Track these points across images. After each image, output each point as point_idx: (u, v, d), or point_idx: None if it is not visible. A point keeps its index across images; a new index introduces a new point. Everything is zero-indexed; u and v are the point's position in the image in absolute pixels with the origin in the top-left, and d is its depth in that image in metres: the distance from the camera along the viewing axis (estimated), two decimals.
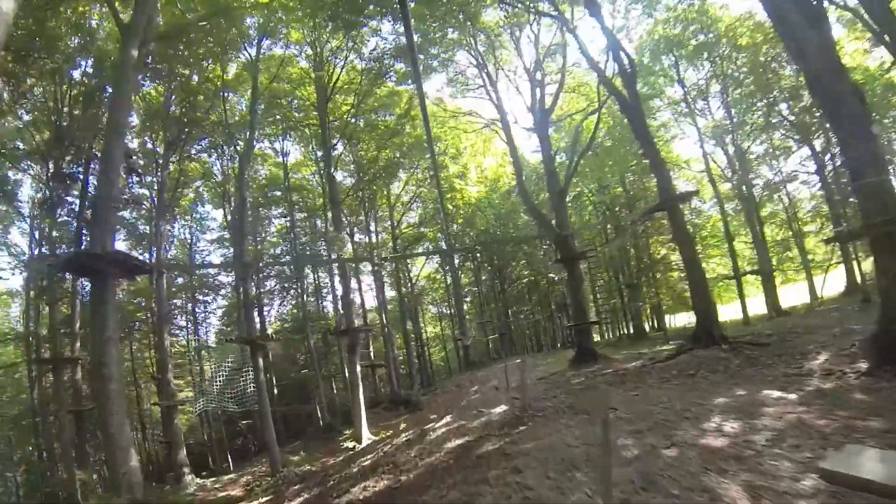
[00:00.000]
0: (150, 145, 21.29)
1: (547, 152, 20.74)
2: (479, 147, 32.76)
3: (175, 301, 30.53)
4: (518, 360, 20.80)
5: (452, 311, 39.93)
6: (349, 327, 17.53)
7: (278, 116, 23.22)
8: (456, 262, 37.50)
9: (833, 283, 25.41)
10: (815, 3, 9.75)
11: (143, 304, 26.41)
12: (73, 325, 17.68)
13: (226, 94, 21.26)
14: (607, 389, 7.69)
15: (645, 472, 5.34)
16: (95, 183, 18.33)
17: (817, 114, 25.08)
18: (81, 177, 17.52)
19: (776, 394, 8.19)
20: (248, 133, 17.88)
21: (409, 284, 35.92)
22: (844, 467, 4.42)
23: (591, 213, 35.92)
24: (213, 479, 18.73)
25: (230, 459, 24.41)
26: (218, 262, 28.74)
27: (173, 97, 19.07)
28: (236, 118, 21.45)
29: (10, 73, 14.72)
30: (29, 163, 19.46)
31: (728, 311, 30.03)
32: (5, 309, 30.37)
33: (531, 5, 18.75)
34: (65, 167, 17.85)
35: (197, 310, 30.74)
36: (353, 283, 31.03)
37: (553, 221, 20.51)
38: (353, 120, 22.69)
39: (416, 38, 20.15)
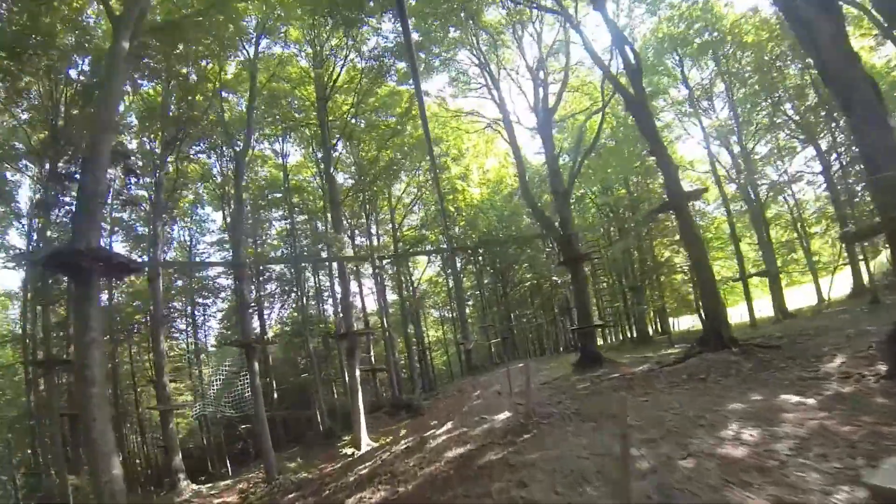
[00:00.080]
0: (148, 146, 21.05)
1: (550, 152, 20.38)
2: (481, 148, 32.45)
3: (175, 304, 30.34)
4: (521, 365, 20.40)
5: (454, 314, 39.57)
6: (348, 331, 17.16)
7: (278, 116, 22.96)
8: (458, 265, 37.20)
9: (839, 284, 24.94)
10: None
11: (142, 306, 26.18)
12: (68, 327, 17.37)
13: (225, 95, 21.11)
14: (624, 397, 7.25)
15: (662, 485, 4.93)
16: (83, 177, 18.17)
17: (823, 113, 24.98)
18: (78, 176, 17.19)
19: (794, 398, 7.79)
20: (246, 132, 17.56)
21: (411, 288, 35.56)
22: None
23: (595, 215, 35.56)
24: (210, 485, 18.35)
25: (228, 464, 24.09)
26: (216, 261, 28.30)
27: (171, 91, 18.77)
28: (235, 117, 21.18)
29: (4, 70, 14.47)
30: (26, 163, 19.28)
31: (734, 314, 29.60)
32: (5, 311, 30.29)
33: (534, 1, 18.44)
34: (61, 167, 17.60)
35: (196, 313, 30.45)
36: (354, 287, 30.78)
37: (556, 223, 20.16)
38: (353, 120, 22.39)
39: (416, 36, 19.89)
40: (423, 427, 14.57)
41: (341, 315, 20.12)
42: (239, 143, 18.14)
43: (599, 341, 26.88)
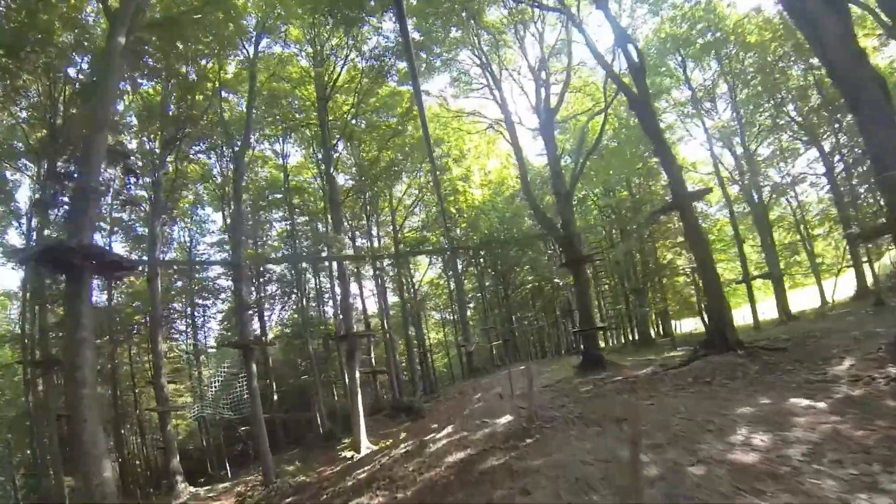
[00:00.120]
0: (147, 146, 20.94)
1: (552, 153, 20.21)
2: (482, 149, 32.31)
3: (175, 305, 30.20)
4: (522, 367, 20.19)
5: (456, 316, 39.39)
6: (348, 332, 16.97)
7: (278, 116, 22.83)
8: (459, 267, 37.06)
9: (842, 286, 24.71)
10: None
11: (142, 307, 26.04)
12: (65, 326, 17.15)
13: (225, 95, 20.99)
14: (637, 403, 7.04)
15: (671, 493, 4.73)
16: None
17: (825, 113, 24.84)
18: (77, 175, 17.06)
19: (804, 402, 7.59)
20: (245, 131, 17.42)
21: (412, 290, 35.38)
22: None
23: (597, 217, 35.39)
24: (208, 487, 18.18)
25: (228, 466, 23.95)
26: (212, 260, 28.11)
27: (170, 90, 18.65)
28: (236, 116, 21.06)
29: (2, 68, 14.36)
30: (25, 162, 19.20)
31: (736, 317, 29.34)
32: (4, 311, 30.19)
33: (536, 0, 18.29)
34: (60, 166, 17.48)
35: (196, 314, 30.30)
36: (355, 289, 30.64)
37: (558, 225, 19.97)
38: (353, 121, 22.24)
39: (417, 36, 19.76)
40: (423, 430, 14.36)
41: (341, 317, 19.92)
42: (238, 142, 18.00)
43: (601, 344, 26.61)
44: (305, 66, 21.43)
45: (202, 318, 31.24)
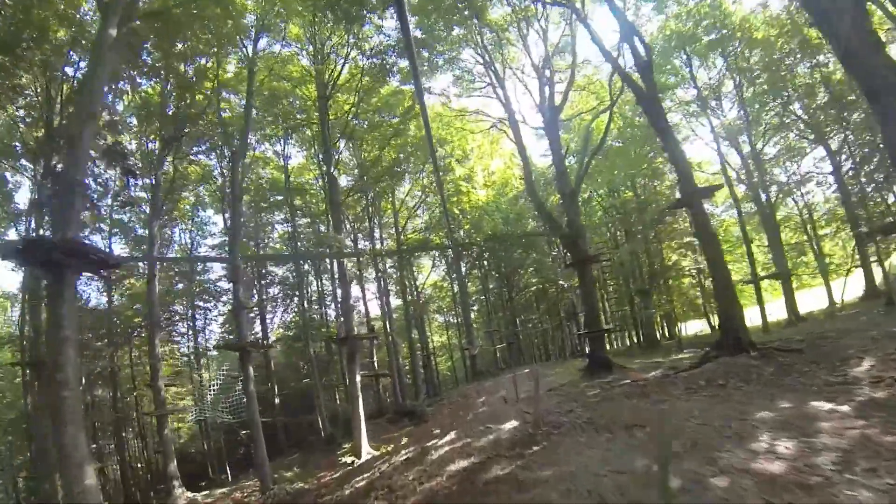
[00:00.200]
0: (147, 146, 20.72)
1: (557, 151, 19.85)
2: (486, 149, 31.98)
3: (177, 308, 29.96)
4: (527, 370, 19.76)
5: (459, 319, 39.02)
6: (349, 335, 16.61)
7: (279, 116, 22.57)
8: (463, 269, 36.72)
9: (849, 287, 24.25)
10: None
11: (142, 309, 25.82)
12: None
13: (226, 95, 20.78)
14: (663, 411, 6.62)
15: None
16: (88, 173, 17.85)
17: (832, 111, 24.44)
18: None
19: (826, 406, 7.21)
20: (245, 129, 17.16)
21: (416, 292, 35.03)
22: None
23: (601, 218, 35.00)
24: (206, 493, 17.83)
25: (228, 470, 23.66)
26: (208, 256, 27.80)
27: (169, 87, 18.41)
28: (236, 116, 20.83)
29: None
30: (24, 162, 19.00)
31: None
32: (4, 312, 30.08)
33: None
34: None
35: (197, 316, 30.02)
36: (357, 291, 30.31)
37: (563, 224, 19.58)
38: (354, 121, 21.95)
39: (419, 33, 19.46)
40: (425, 435, 13.95)
41: (342, 319, 19.58)
42: (238, 141, 17.72)
43: (606, 346, 26.15)
44: (306, 66, 21.20)
45: (203, 321, 30.99)
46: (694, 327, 38.79)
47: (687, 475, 5.06)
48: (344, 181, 26.22)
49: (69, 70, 15.94)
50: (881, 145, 23.08)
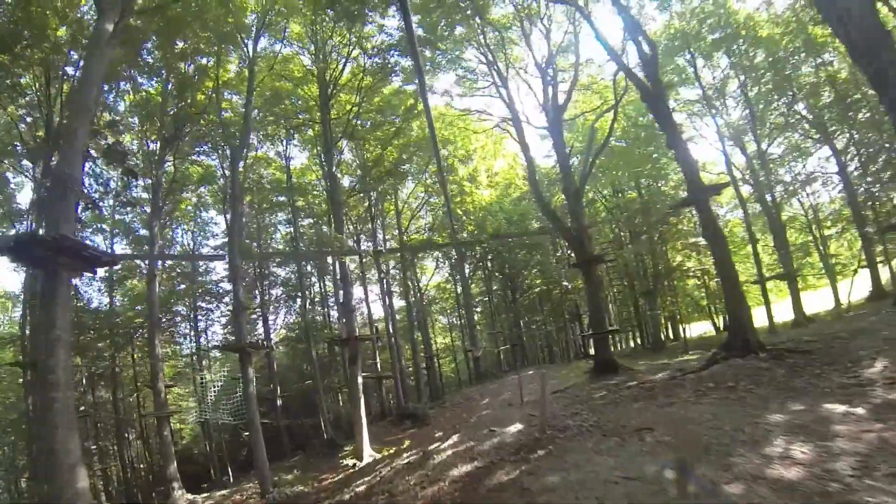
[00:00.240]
0: (148, 146, 20.64)
1: (561, 150, 19.65)
2: (489, 149, 31.81)
3: (180, 308, 29.87)
4: (531, 372, 19.52)
5: (463, 321, 38.80)
6: (350, 336, 16.41)
7: (281, 116, 22.45)
8: (466, 270, 36.52)
9: (855, 288, 23.87)
10: None
11: (143, 310, 25.76)
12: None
13: (227, 96, 20.69)
14: (695, 430, 6.34)
15: None
16: (89, 173, 17.80)
17: (836, 112, 24.14)
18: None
19: (840, 408, 6.97)
20: (244, 128, 17.03)
21: (419, 294, 34.84)
22: None
23: (605, 218, 34.73)
24: (206, 495, 17.64)
25: (230, 472, 23.47)
26: (205, 255, 27.67)
27: (170, 91, 18.32)
28: (238, 115, 20.73)
29: None
30: (26, 163, 18.95)
31: None
32: (8, 313, 30.04)
33: None
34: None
35: (199, 317, 29.89)
36: (360, 293, 30.16)
37: (568, 224, 19.36)
38: (356, 121, 21.79)
39: (420, 32, 19.31)
40: (427, 438, 13.72)
41: (343, 320, 19.38)
42: (238, 140, 17.59)
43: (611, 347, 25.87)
44: (307, 65, 21.11)
45: (205, 322, 30.87)
46: (698, 329, 38.46)
47: (700, 481, 4.84)
48: (347, 182, 26.11)
49: (69, 70, 15.82)
50: (887, 144, 22.91)
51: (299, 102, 22.52)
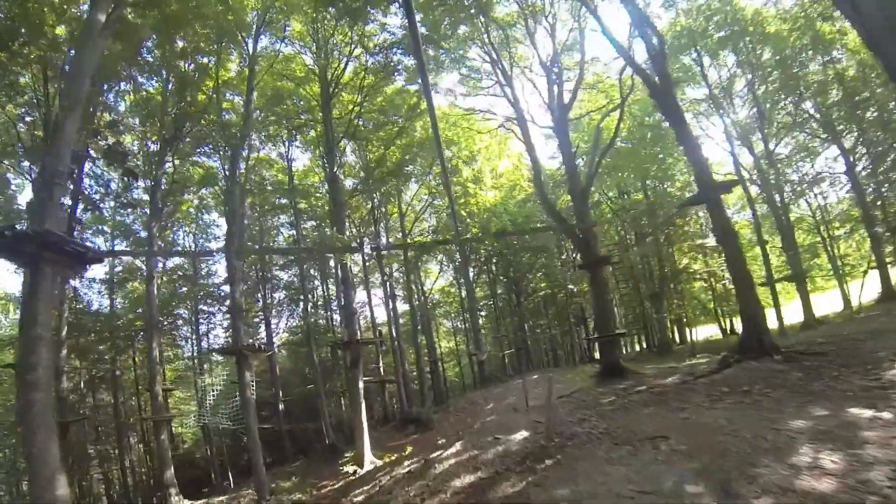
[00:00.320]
0: (149, 146, 20.48)
1: (567, 150, 19.32)
2: (493, 150, 31.47)
3: (182, 312, 29.65)
4: (536, 376, 19.08)
5: (467, 325, 38.41)
6: (351, 339, 16.06)
7: (281, 112, 22.22)
8: (471, 274, 36.17)
9: (866, 289, 23.36)
10: None
11: (143, 312, 25.56)
12: (60, 330, 16.51)
13: (229, 96, 20.49)
14: (714, 437, 5.89)
15: None
16: (89, 174, 17.58)
17: (844, 111, 23.70)
18: (74, 174, 16.51)
19: (866, 412, 6.55)
20: (244, 127, 16.81)
21: (423, 297, 34.49)
22: None
23: (610, 219, 34.32)
24: (204, 500, 17.30)
25: (231, 477, 23.16)
26: (201, 251, 27.40)
27: (171, 91, 18.13)
28: (239, 117, 20.53)
29: None
30: (27, 163, 18.79)
31: None
32: (10, 315, 29.92)
33: None
34: None
35: (200, 320, 29.66)
36: (363, 297, 29.83)
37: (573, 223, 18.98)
38: (358, 122, 21.53)
39: (423, 30, 19.03)
40: (430, 444, 13.30)
41: (344, 323, 19.06)
42: (238, 139, 17.37)
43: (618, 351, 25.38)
44: (309, 64, 20.87)
45: (207, 325, 30.64)
46: (704, 332, 37.89)
47: (723, 495, 4.44)
48: (349, 183, 25.85)
49: (68, 68, 15.61)
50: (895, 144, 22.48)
51: (301, 102, 22.30)
